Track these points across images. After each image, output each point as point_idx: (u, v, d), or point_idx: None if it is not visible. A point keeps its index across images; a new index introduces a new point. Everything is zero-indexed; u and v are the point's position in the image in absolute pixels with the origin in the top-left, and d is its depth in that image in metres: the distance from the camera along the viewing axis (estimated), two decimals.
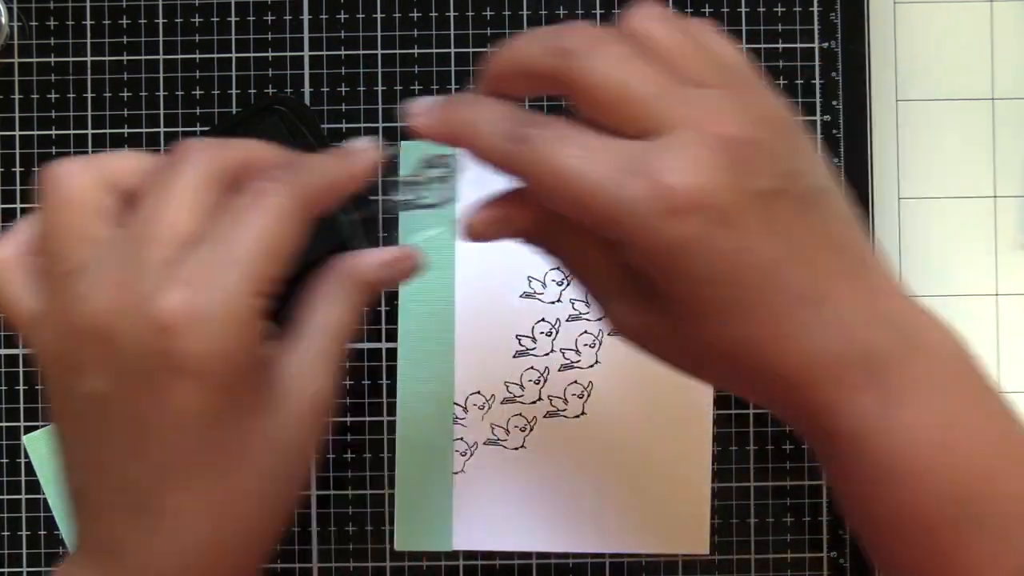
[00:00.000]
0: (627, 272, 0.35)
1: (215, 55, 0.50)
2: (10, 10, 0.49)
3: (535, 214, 0.35)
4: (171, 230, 0.31)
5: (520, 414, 0.49)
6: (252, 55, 0.50)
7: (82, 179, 0.33)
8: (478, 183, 0.35)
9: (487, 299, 0.49)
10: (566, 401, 0.49)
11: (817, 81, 0.50)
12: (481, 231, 0.36)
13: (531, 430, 0.49)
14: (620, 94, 0.32)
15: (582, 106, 0.33)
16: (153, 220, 0.31)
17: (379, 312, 0.49)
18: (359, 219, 0.40)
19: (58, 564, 0.35)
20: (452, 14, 0.50)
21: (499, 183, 0.34)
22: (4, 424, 0.49)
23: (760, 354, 0.33)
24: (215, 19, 0.50)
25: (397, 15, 0.50)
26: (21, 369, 0.49)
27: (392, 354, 0.49)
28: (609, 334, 0.36)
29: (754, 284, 0.32)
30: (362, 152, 0.35)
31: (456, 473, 0.49)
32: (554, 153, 0.32)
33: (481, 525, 0.49)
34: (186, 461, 0.32)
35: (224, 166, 0.33)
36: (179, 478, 0.32)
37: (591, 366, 0.49)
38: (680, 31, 0.34)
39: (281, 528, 0.35)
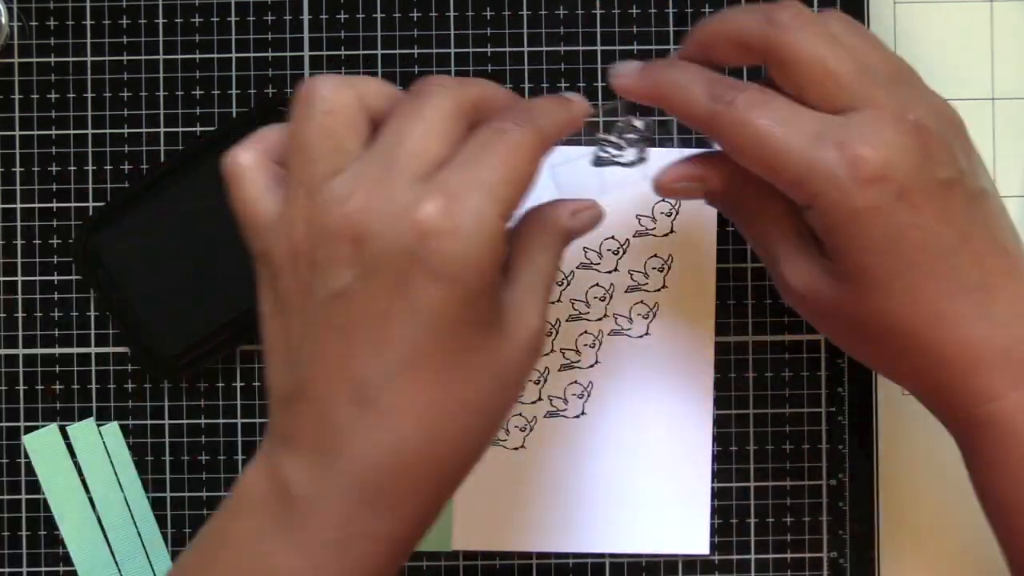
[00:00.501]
0: (805, 235, 0.39)
1: (215, 55, 0.50)
2: (10, 10, 0.49)
3: (726, 176, 0.40)
4: (424, 150, 0.33)
5: (520, 414, 0.49)
6: (252, 55, 0.50)
7: (344, 94, 0.35)
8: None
9: None
10: (566, 401, 0.49)
11: None
12: (672, 186, 0.41)
13: (531, 430, 0.49)
14: (824, 69, 0.36)
15: (785, 77, 0.37)
16: (407, 140, 0.34)
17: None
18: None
19: (252, 459, 0.36)
20: (452, 14, 0.50)
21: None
22: (4, 424, 0.49)
23: (920, 333, 0.36)
24: (215, 19, 0.50)
25: (397, 15, 0.50)
26: (21, 369, 0.50)
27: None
28: (779, 298, 0.41)
29: (926, 265, 0.36)
30: (580, 102, 0.38)
31: None
32: (756, 115, 0.36)
33: (481, 525, 0.49)
34: (420, 361, 0.33)
35: (469, 100, 0.35)
36: (409, 377, 0.33)
37: (591, 366, 0.49)
38: (861, 32, 0.38)
39: (481, 454, 0.36)
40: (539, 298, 0.37)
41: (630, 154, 0.42)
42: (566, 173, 0.43)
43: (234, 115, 0.49)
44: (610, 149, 0.42)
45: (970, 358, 0.36)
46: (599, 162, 0.42)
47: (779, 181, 0.36)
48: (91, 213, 0.49)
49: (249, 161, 0.36)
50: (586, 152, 0.42)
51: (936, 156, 0.36)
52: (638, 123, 0.42)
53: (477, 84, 0.36)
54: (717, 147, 0.40)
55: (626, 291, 0.49)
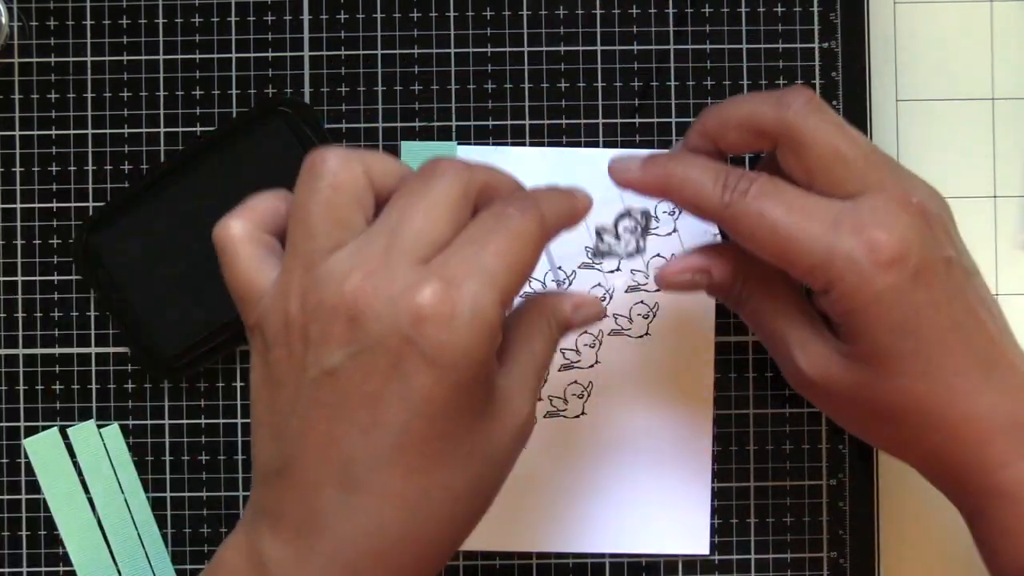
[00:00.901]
0: (815, 321, 0.40)
1: (215, 55, 0.50)
2: (10, 10, 0.49)
3: (730, 265, 0.40)
4: (427, 232, 0.33)
5: None
6: (252, 55, 0.50)
7: (351, 169, 0.34)
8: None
9: None
10: (566, 401, 0.49)
11: (817, 81, 0.50)
12: (675, 281, 0.41)
13: None
14: (836, 153, 0.37)
15: (797, 160, 0.37)
16: (411, 221, 0.33)
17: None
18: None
19: (229, 532, 0.35)
20: (452, 14, 0.50)
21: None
22: (4, 424, 0.49)
23: (934, 409, 0.37)
24: (215, 19, 0.50)
25: (397, 15, 0.50)
26: (21, 369, 0.49)
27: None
28: (791, 388, 0.42)
29: (940, 340, 0.37)
30: (583, 195, 0.38)
31: None
32: (770, 204, 0.37)
33: (481, 525, 0.49)
34: (409, 446, 0.33)
35: (476, 184, 0.35)
36: (397, 462, 0.33)
37: (591, 366, 0.49)
38: (849, 125, 0.39)
39: (465, 538, 0.36)
40: (531, 386, 0.37)
41: (627, 245, 0.43)
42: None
43: (234, 115, 0.49)
44: (608, 239, 0.43)
45: (982, 429, 0.37)
46: (596, 253, 0.43)
47: (795, 268, 0.37)
48: (91, 213, 0.49)
49: (240, 232, 0.36)
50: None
51: (939, 236, 0.37)
52: (636, 214, 0.43)
53: (485, 169, 0.36)
54: (718, 238, 0.42)
55: (626, 291, 0.49)
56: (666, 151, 0.40)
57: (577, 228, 0.38)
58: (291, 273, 0.34)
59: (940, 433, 0.38)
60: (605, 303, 0.49)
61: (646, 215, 0.42)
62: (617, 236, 0.43)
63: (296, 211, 0.35)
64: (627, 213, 0.43)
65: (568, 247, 0.48)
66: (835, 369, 0.39)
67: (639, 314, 0.49)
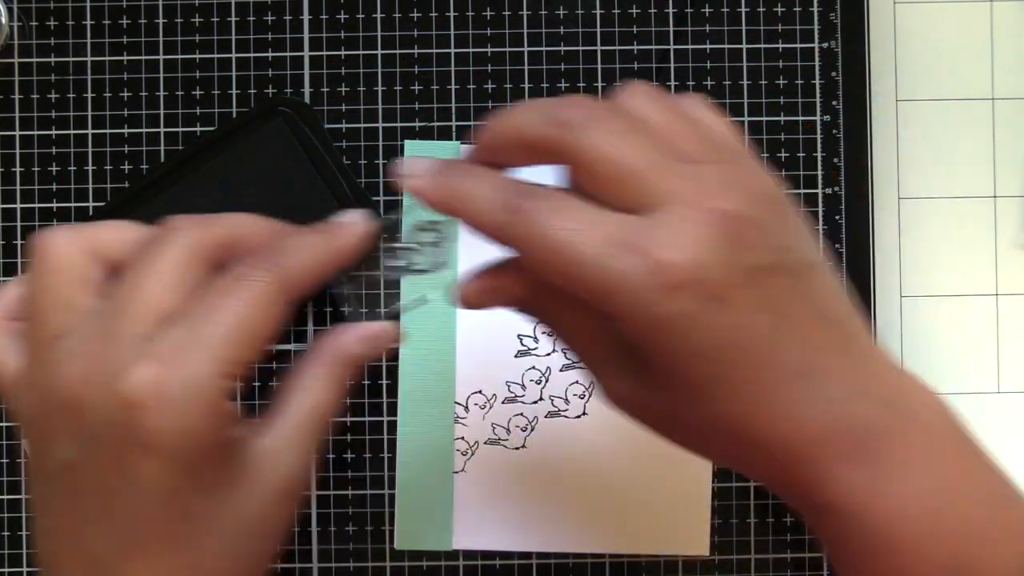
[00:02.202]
0: (621, 345, 0.34)
1: (215, 55, 0.50)
2: (10, 10, 0.49)
3: (529, 284, 0.35)
4: (150, 305, 0.32)
5: (521, 414, 0.49)
6: (252, 55, 0.50)
7: (70, 248, 0.34)
8: (476, 248, 0.35)
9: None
10: (567, 401, 0.49)
11: (817, 81, 0.50)
12: (474, 300, 0.35)
13: (532, 430, 0.49)
14: (616, 168, 0.32)
15: (581, 178, 0.32)
16: (134, 294, 0.32)
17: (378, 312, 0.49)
18: (349, 291, 0.40)
19: None
20: (452, 14, 0.50)
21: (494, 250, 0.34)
22: (4, 424, 0.49)
23: (751, 430, 0.33)
24: (215, 19, 0.50)
25: (397, 15, 0.50)
26: None
27: (392, 354, 0.49)
28: (606, 405, 0.36)
29: (746, 360, 0.32)
30: (350, 227, 0.36)
31: (457, 472, 0.49)
32: (548, 224, 0.32)
33: (481, 525, 0.49)
34: (148, 534, 0.32)
35: (211, 244, 0.34)
36: (140, 550, 0.32)
37: None
38: (670, 108, 0.34)
39: None
40: (305, 440, 0.35)
41: (426, 260, 0.38)
42: None
43: (234, 115, 0.49)
44: (408, 255, 0.38)
45: (799, 448, 0.33)
46: (391, 271, 0.38)
47: (580, 293, 0.32)
48: (91, 213, 0.49)
49: None
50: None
51: (748, 243, 0.32)
52: (435, 224, 0.38)
53: (227, 221, 0.35)
54: None
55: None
56: (464, 156, 0.35)
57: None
58: (29, 365, 0.33)
59: (759, 452, 0.33)
60: None
61: (443, 226, 0.38)
62: (416, 250, 0.38)
63: (27, 300, 0.34)
64: (425, 225, 0.38)
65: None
66: (639, 395, 0.35)
67: None
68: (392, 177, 0.35)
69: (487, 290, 0.35)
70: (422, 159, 0.35)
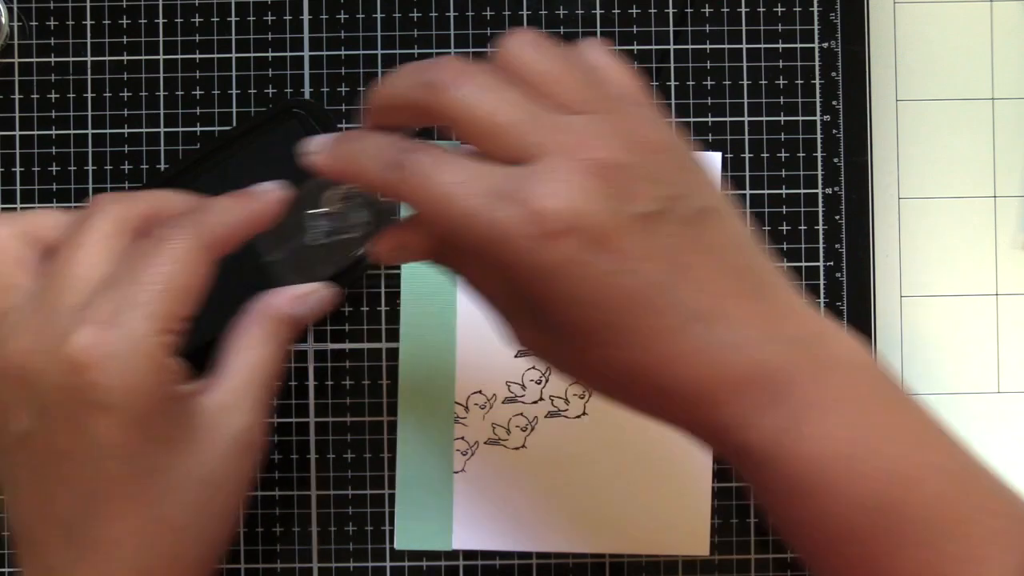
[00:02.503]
0: (519, 299, 0.35)
1: (215, 55, 0.50)
2: (10, 10, 0.49)
3: (432, 238, 0.36)
4: (83, 275, 0.34)
5: (521, 414, 0.49)
6: (252, 55, 0.50)
7: (3, 233, 0.36)
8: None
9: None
10: (567, 401, 0.49)
11: (817, 81, 0.50)
12: (385, 256, 0.37)
13: (532, 430, 0.49)
14: (488, 123, 0.32)
15: (461, 136, 0.33)
16: (67, 267, 0.34)
17: (379, 312, 0.49)
18: (280, 259, 0.42)
19: None
20: (452, 14, 0.50)
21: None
22: None
23: (651, 375, 0.33)
24: (215, 19, 0.50)
25: (397, 15, 0.50)
26: None
27: (392, 354, 0.49)
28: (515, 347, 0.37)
29: (635, 306, 0.32)
30: (264, 193, 0.38)
31: (457, 472, 0.49)
32: (429, 178, 0.32)
33: (481, 525, 0.49)
34: (111, 492, 0.33)
35: (134, 215, 0.35)
36: (105, 508, 0.34)
37: None
38: (556, 57, 0.34)
39: (216, 558, 0.36)
40: (252, 394, 0.37)
41: (358, 222, 0.40)
42: None
43: (236, 115, 0.49)
44: (333, 221, 0.40)
45: (706, 392, 0.33)
46: (316, 237, 0.40)
47: (466, 245, 0.33)
48: None
49: None
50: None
51: (631, 190, 0.32)
52: (355, 190, 0.40)
53: (149, 196, 0.37)
54: None
55: None
56: (351, 131, 0.37)
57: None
58: None
59: (666, 397, 0.33)
60: None
61: (352, 189, 0.40)
62: (335, 215, 0.40)
63: None
64: (351, 192, 0.40)
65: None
66: (544, 342, 0.35)
67: None
68: (299, 158, 0.36)
69: (397, 246, 0.37)
70: (322, 136, 0.36)
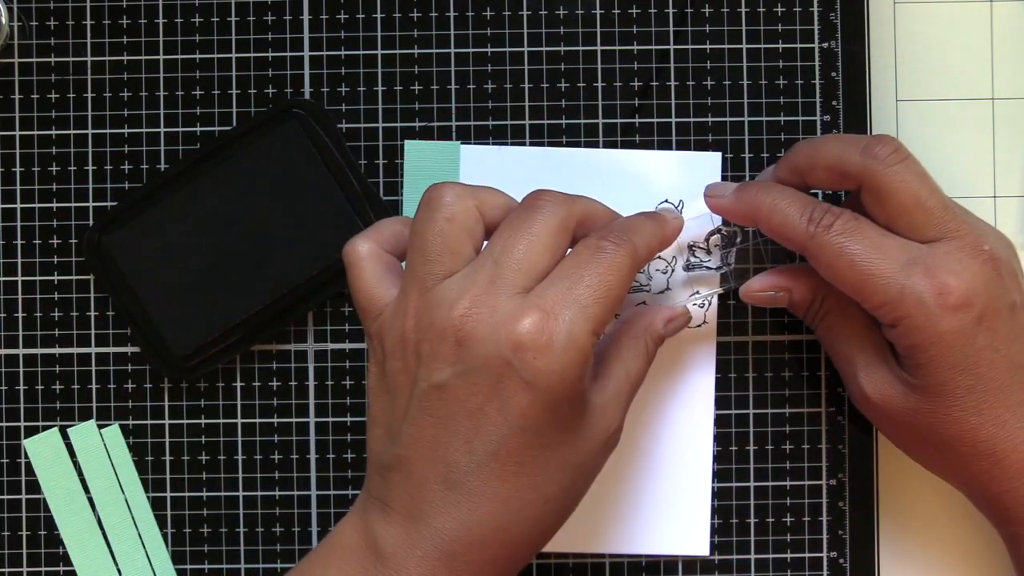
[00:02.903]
0: (882, 347, 0.43)
1: (215, 55, 0.50)
2: (10, 10, 0.49)
3: (809, 288, 0.44)
4: (528, 263, 0.37)
5: None
6: (252, 55, 0.50)
7: (465, 203, 0.39)
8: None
9: None
10: None
11: (817, 81, 0.50)
12: (756, 297, 0.45)
13: None
14: (916, 202, 0.40)
15: (879, 205, 0.41)
16: (513, 252, 0.38)
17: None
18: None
19: (350, 511, 0.40)
20: (452, 14, 0.50)
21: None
22: (4, 424, 0.49)
23: (982, 438, 0.40)
24: (215, 19, 0.50)
25: (397, 15, 0.50)
26: (21, 369, 0.49)
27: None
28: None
29: (994, 379, 0.40)
30: (674, 219, 0.42)
31: None
32: (851, 241, 0.40)
33: None
34: (505, 455, 0.37)
35: (574, 216, 0.39)
36: (494, 468, 0.37)
37: None
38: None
39: (551, 537, 0.40)
40: (623, 401, 0.41)
41: (716, 259, 0.46)
42: None
43: (236, 115, 0.49)
44: (699, 254, 0.46)
45: None
46: (688, 266, 0.47)
47: (867, 303, 0.40)
48: (101, 212, 0.49)
49: (366, 251, 0.40)
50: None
51: (1007, 283, 0.40)
52: (725, 231, 0.46)
53: (583, 201, 0.40)
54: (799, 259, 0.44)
55: (629, 292, 0.49)
56: (757, 180, 0.45)
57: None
58: (408, 294, 0.38)
59: (986, 461, 0.40)
60: None
61: (733, 233, 0.46)
62: (708, 251, 0.46)
63: (414, 238, 0.39)
64: (717, 230, 0.46)
65: None
66: (895, 395, 0.42)
67: None
68: (705, 195, 0.45)
69: (773, 287, 0.45)
70: (724, 182, 0.46)
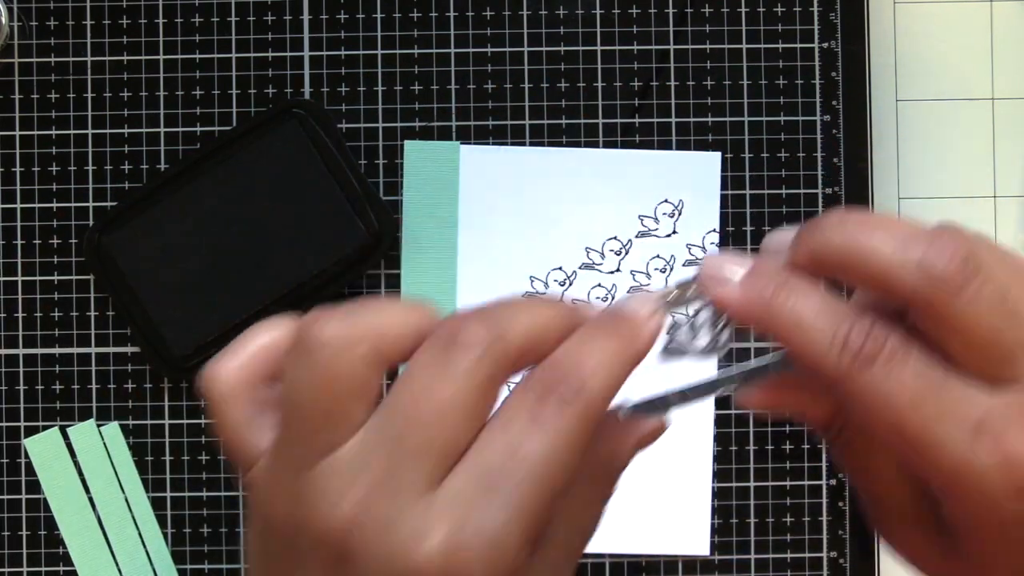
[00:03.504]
0: (919, 502, 0.32)
1: (215, 55, 0.50)
2: (10, 10, 0.49)
3: (830, 412, 0.32)
4: (443, 440, 0.27)
5: None
6: (252, 55, 0.50)
7: (352, 352, 0.28)
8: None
9: (490, 298, 0.49)
10: None
11: (817, 81, 0.50)
12: (758, 404, 0.33)
13: None
14: (993, 340, 0.29)
15: (941, 338, 0.29)
16: (421, 422, 0.27)
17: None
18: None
19: None
20: (452, 14, 0.50)
21: None
22: (4, 424, 0.49)
23: None
24: (215, 19, 0.50)
25: (397, 15, 0.50)
26: (21, 369, 0.49)
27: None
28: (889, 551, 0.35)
29: None
30: (646, 323, 0.30)
31: None
32: (899, 389, 0.28)
33: None
34: None
35: (512, 353, 0.28)
36: None
37: None
38: (1011, 264, 0.31)
39: None
40: (567, 568, 0.31)
41: (704, 339, 0.32)
42: None
43: (236, 115, 0.49)
44: (683, 331, 0.32)
45: None
46: (668, 353, 0.32)
47: (916, 466, 0.30)
48: (100, 212, 0.49)
49: (228, 387, 0.30)
50: None
51: None
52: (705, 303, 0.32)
53: (521, 322, 0.29)
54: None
55: (628, 292, 0.49)
56: (770, 254, 0.31)
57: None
58: (278, 470, 0.29)
59: None
60: (607, 304, 0.49)
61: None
62: (692, 329, 0.32)
63: (286, 392, 0.29)
64: (708, 304, 0.31)
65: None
66: (925, 551, 0.33)
67: None
68: (700, 276, 0.30)
69: (783, 405, 0.33)
70: (726, 256, 0.30)
